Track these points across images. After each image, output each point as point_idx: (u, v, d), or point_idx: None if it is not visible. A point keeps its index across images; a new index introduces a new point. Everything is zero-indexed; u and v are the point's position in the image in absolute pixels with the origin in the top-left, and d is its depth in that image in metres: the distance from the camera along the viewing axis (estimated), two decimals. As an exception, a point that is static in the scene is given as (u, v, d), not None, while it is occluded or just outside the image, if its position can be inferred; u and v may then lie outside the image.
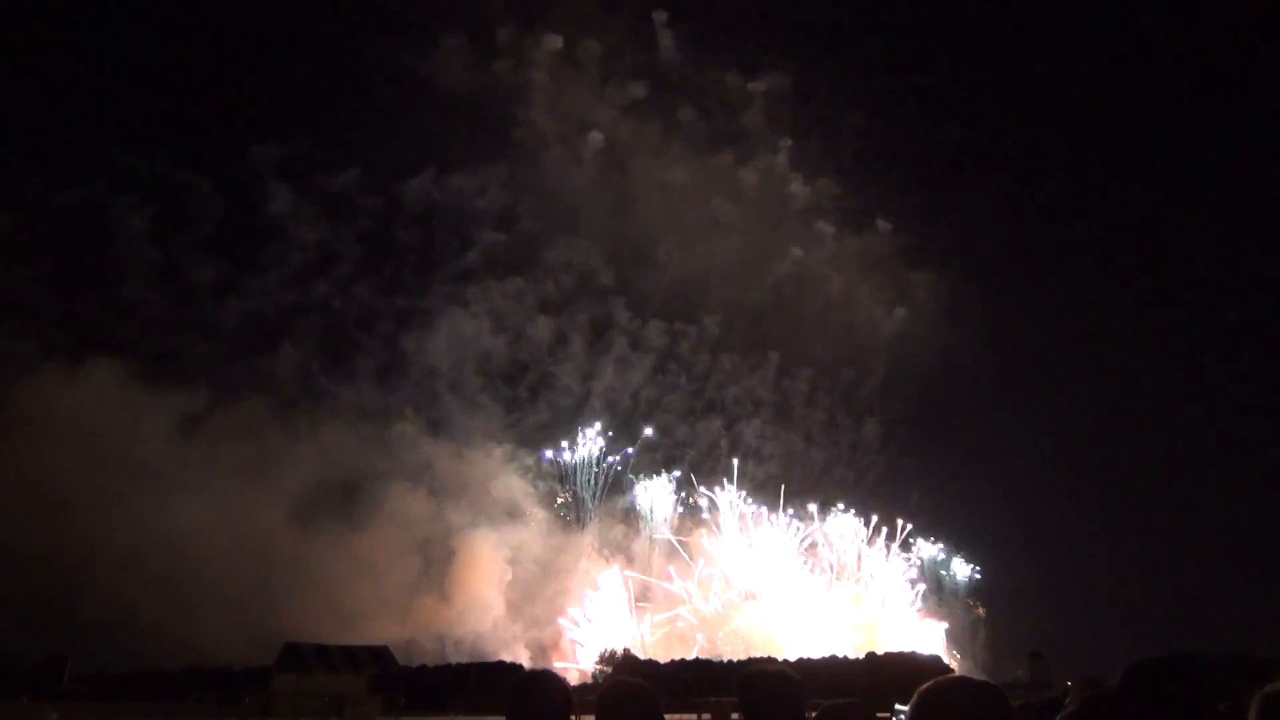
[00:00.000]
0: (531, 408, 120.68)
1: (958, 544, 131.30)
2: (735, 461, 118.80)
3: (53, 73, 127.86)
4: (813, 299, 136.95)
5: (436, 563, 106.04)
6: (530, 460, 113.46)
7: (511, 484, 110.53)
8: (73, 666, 78.97)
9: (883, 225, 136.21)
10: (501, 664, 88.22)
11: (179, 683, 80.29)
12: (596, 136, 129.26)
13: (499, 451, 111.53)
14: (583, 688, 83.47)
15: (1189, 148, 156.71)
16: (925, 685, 2.90)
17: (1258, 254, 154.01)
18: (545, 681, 4.39)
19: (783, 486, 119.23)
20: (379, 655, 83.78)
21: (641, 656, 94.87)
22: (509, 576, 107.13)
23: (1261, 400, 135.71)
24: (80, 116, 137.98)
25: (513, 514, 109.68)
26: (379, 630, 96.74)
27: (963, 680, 2.94)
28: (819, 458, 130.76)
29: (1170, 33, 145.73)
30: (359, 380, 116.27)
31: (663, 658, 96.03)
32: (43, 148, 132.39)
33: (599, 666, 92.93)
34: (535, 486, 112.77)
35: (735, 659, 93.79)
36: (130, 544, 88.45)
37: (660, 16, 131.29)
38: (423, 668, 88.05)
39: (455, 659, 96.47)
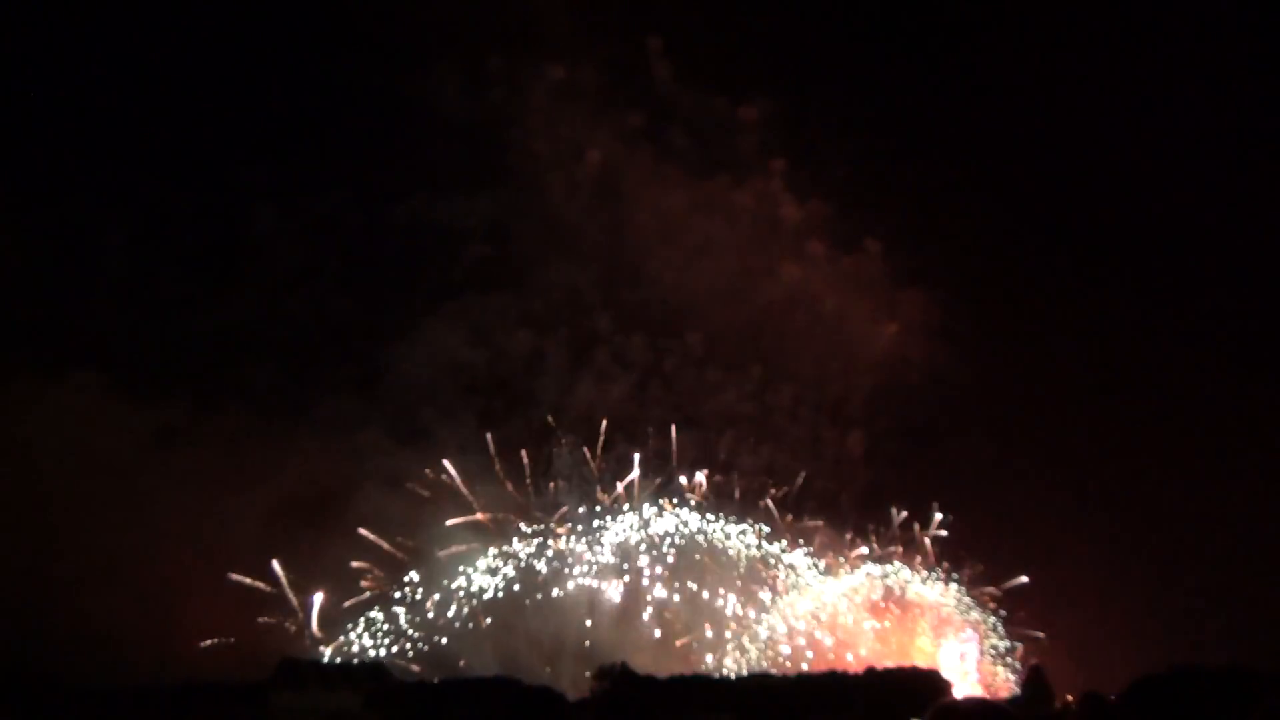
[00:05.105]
0: (509, 420, 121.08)
1: (952, 558, 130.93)
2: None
3: (35, 85, 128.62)
4: (802, 317, 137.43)
5: (411, 572, 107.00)
6: (507, 472, 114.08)
7: (487, 494, 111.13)
8: (67, 682, 78.55)
9: (873, 246, 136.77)
10: (500, 679, 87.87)
11: (173, 699, 79.77)
12: (591, 162, 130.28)
13: (475, 463, 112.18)
14: (580, 703, 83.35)
15: (1182, 164, 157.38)
16: (942, 703, 2.89)
17: (1255, 267, 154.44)
18: (543, 697, 4.38)
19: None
20: (376, 671, 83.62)
21: None
22: (483, 586, 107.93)
23: (1259, 411, 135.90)
24: (64, 129, 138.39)
25: (489, 523, 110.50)
26: (358, 640, 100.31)
27: (979, 700, 2.92)
28: (800, 471, 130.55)
29: (1160, 51, 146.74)
30: (337, 392, 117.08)
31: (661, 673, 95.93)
32: (25, 158, 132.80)
33: (596, 681, 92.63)
34: (514, 496, 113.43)
35: (734, 674, 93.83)
36: (109, 557, 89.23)
37: (655, 44, 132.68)
38: (420, 683, 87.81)
39: (422, 668, 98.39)
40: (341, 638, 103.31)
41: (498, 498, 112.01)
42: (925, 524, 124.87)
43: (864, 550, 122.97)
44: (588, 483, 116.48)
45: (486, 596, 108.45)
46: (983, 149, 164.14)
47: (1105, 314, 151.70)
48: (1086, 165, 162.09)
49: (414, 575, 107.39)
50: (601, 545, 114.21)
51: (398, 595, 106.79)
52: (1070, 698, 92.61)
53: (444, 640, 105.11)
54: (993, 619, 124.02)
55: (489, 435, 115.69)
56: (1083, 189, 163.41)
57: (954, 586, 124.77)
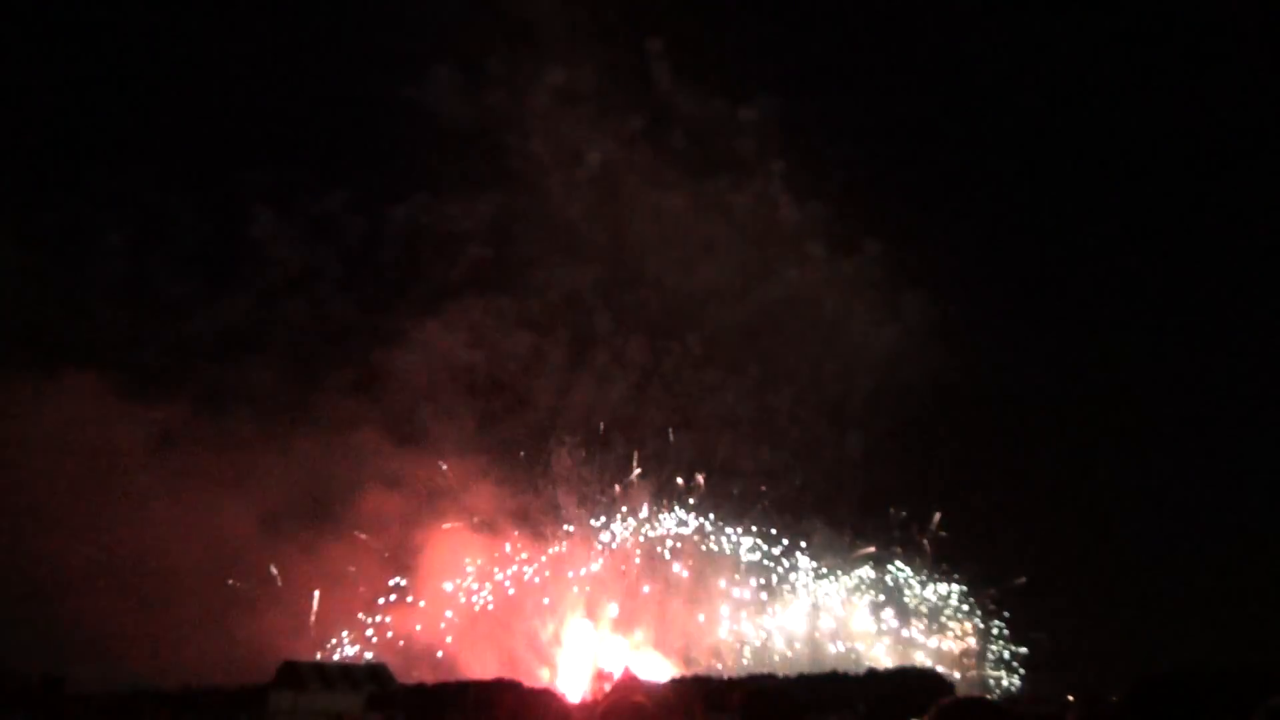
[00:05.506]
0: (508, 421, 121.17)
1: (951, 559, 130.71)
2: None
3: (37, 87, 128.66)
4: (802, 319, 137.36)
5: (408, 574, 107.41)
6: (505, 473, 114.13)
7: (485, 495, 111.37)
8: (69, 685, 78.50)
9: (872, 247, 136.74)
10: (500, 681, 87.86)
11: (175, 702, 79.77)
12: (590, 163, 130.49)
13: (474, 464, 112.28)
14: (583, 705, 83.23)
15: (1182, 164, 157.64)
16: (944, 702, 2.91)
17: (1257, 265, 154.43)
18: (544, 700, 4.37)
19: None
20: (377, 673, 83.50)
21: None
22: (481, 588, 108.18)
23: (1260, 409, 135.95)
24: (65, 131, 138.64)
25: (487, 525, 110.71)
26: (355, 641, 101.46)
27: (979, 700, 2.95)
28: (800, 471, 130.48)
29: (1159, 53, 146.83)
30: (335, 393, 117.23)
31: (662, 675, 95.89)
32: (25, 159, 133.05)
33: (598, 683, 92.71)
34: (512, 498, 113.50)
35: (735, 676, 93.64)
36: (109, 558, 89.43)
37: (654, 45, 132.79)
38: (420, 685, 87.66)
39: (419, 669, 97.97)
40: (342, 639, 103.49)
41: (496, 499, 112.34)
42: (924, 524, 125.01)
43: (863, 551, 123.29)
44: (586, 484, 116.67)
45: (486, 598, 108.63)
46: (982, 150, 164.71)
47: (1104, 314, 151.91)
48: (1086, 167, 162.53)
49: (414, 576, 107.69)
50: (600, 547, 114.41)
51: (397, 596, 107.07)
52: (1071, 698, 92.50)
53: (444, 641, 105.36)
54: (995, 621, 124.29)
55: (488, 437, 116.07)
56: (1082, 190, 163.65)
57: (954, 587, 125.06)
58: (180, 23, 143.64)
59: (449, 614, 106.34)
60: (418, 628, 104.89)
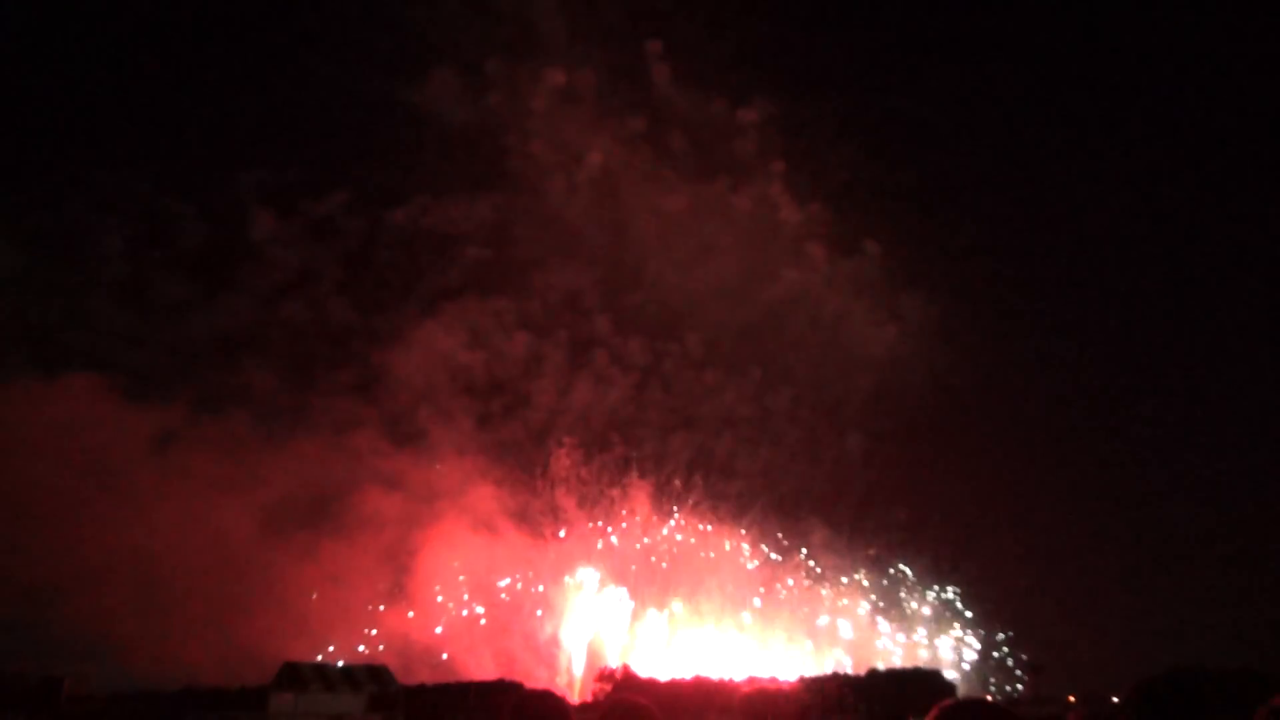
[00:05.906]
0: (507, 422, 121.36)
1: (952, 560, 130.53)
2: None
3: (37, 89, 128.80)
4: (802, 319, 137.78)
5: (408, 574, 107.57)
6: (504, 474, 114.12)
7: (484, 496, 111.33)
8: (69, 687, 78.42)
9: (872, 248, 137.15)
10: (501, 682, 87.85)
11: (175, 703, 79.70)
12: (591, 166, 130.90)
13: (473, 465, 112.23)
14: (583, 706, 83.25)
15: (1182, 165, 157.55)
16: (945, 703, 2.90)
17: (1259, 266, 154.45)
18: (545, 700, 4.39)
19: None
20: (377, 674, 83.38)
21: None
22: (480, 589, 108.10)
23: (1261, 414, 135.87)
24: (66, 133, 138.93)
25: (486, 525, 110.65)
26: (354, 642, 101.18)
27: (980, 701, 2.94)
28: (799, 473, 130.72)
29: (1159, 60, 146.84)
30: (334, 395, 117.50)
31: (662, 675, 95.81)
32: (25, 161, 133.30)
33: (599, 684, 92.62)
34: (511, 499, 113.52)
35: (735, 678, 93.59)
36: (109, 560, 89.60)
37: (654, 48, 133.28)
38: (421, 686, 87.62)
39: (419, 670, 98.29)
40: (341, 640, 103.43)
41: (496, 500, 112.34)
42: (924, 525, 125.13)
43: (863, 552, 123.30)
44: (585, 485, 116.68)
45: (485, 599, 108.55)
46: (981, 151, 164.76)
47: (1104, 315, 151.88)
48: (1085, 167, 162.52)
49: (413, 577, 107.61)
50: (600, 547, 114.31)
51: (396, 597, 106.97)
52: (1072, 699, 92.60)
53: (444, 642, 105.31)
54: (996, 622, 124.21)
55: (487, 438, 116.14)
56: (1082, 190, 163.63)
57: (954, 588, 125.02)
58: (181, 23, 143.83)
59: (448, 614, 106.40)
60: (413, 636, 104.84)
